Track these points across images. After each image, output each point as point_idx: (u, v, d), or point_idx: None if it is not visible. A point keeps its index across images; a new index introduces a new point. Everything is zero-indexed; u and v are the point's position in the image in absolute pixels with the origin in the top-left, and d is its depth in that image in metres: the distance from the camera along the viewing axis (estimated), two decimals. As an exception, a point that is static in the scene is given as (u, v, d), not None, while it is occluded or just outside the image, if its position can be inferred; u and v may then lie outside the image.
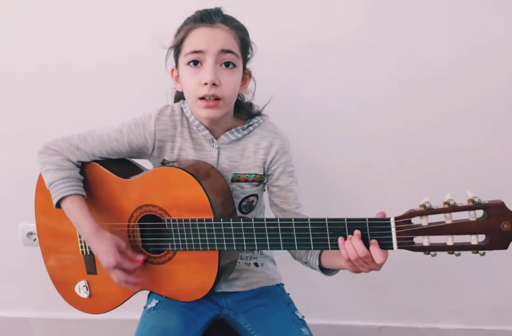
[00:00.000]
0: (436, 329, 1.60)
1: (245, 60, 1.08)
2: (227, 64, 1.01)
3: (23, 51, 1.50)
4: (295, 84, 1.43)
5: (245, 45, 1.05)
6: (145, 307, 1.13)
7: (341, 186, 1.51)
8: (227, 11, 1.05)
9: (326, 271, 1.06)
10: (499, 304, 1.57)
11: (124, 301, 1.13)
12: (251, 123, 1.12)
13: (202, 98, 1.01)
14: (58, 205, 1.07)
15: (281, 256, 1.17)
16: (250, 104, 1.17)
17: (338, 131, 1.47)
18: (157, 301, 1.12)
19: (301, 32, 1.39)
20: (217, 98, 1.01)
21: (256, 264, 1.18)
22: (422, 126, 1.44)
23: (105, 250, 1.01)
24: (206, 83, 0.99)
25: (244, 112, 1.15)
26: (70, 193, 1.05)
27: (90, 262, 1.14)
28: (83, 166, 1.11)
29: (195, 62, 1.01)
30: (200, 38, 1.01)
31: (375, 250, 0.86)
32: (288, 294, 1.21)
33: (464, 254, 0.85)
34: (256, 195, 1.15)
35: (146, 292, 1.17)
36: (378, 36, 1.38)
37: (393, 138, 1.46)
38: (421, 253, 0.86)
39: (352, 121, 1.45)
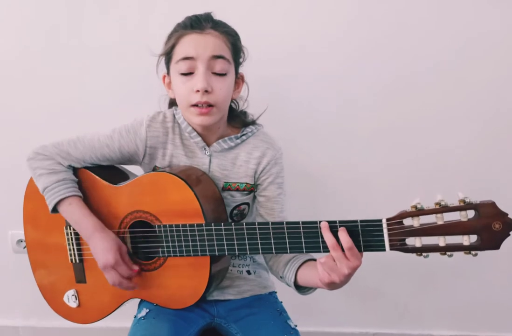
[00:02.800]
0: (429, 336, 1.61)
1: (237, 64, 1.08)
2: (218, 73, 1.01)
3: (12, 49, 1.50)
4: (283, 87, 1.44)
5: (236, 50, 1.06)
6: (135, 316, 1.11)
7: (330, 189, 1.52)
8: (218, 15, 1.05)
9: (301, 289, 1.05)
10: (493, 310, 1.56)
11: (114, 310, 1.12)
12: (244, 132, 1.12)
13: (195, 105, 1.01)
14: (55, 209, 1.06)
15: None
16: (244, 113, 1.17)
17: (326, 134, 1.48)
18: (148, 310, 1.10)
19: (289, 35, 1.41)
20: (210, 105, 1.01)
21: (248, 272, 1.17)
22: (411, 127, 1.45)
23: (107, 247, 1.00)
24: (198, 90, 0.99)
25: (238, 120, 1.15)
26: (68, 195, 1.04)
27: (80, 270, 1.12)
28: (73, 173, 1.10)
29: (186, 73, 1.01)
30: (191, 44, 1.01)
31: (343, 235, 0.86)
32: (281, 302, 1.19)
33: (457, 256, 0.85)
34: (247, 203, 1.14)
35: (137, 301, 1.15)
36: (366, 37, 1.40)
37: (381, 140, 1.47)
38: (414, 256, 0.85)
39: (340, 123, 1.47)
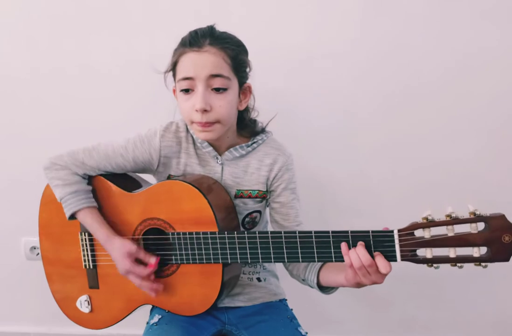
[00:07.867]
0: (437, 345, 1.60)
1: (241, 77, 1.07)
2: (217, 89, 1.02)
3: (22, 59, 1.53)
4: (290, 98, 1.46)
5: (237, 64, 1.04)
6: (147, 323, 1.13)
7: (339, 198, 1.53)
8: (225, 26, 1.05)
9: (324, 289, 1.06)
10: (501, 320, 1.57)
11: (125, 316, 1.13)
12: (255, 140, 1.14)
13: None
14: (72, 217, 1.10)
15: (284, 271, 1.17)
16: (254, 121, 1.19)
17: (333, 144, 1.50)
18: (160, 316, 1.12)
19: (294, 47, 1.43)
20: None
21: (258, 279, 1.19)
22: (417, 137, 1.47)
23: (117, 255, 1.04)
24: (197, 110, 1.01)
25: (248, 130, 1.16)
26: (79, 208, 1.07)
27: (93, 276, 1.14)
28: (88, 180, 1.13)
29: (187, 89, 1.03)
30: (189, 64, 1.02)
31: (381, 260, 0.87)
32: (291, 309, 1.20)
33: (467, 267, 0.86)
34: (259, 211, 1.16)
35: (149, 307, 1.16)
36: (371, 52, 1.43)
37: (389, 150, 1.49)
38: (424, 266, 0.87)
39: (347, 133, 1.49)
